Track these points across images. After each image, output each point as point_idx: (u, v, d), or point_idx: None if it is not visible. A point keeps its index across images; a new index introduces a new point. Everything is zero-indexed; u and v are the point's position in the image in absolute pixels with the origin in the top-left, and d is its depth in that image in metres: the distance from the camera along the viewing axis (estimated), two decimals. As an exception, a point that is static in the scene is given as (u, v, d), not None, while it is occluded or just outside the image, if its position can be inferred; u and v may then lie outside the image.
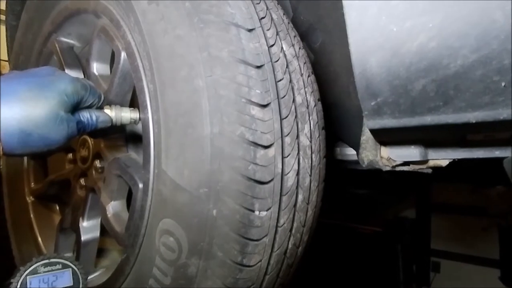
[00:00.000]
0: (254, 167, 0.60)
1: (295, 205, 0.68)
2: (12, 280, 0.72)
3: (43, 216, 1.28)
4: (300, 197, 0.68)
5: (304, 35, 0.93)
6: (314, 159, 0.71)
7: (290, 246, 0.69)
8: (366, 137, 0.80)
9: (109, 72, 0.91)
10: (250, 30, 0.63)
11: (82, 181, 0.98)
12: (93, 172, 0.91)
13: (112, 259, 1.06)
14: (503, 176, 0.68)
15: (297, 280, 0.80)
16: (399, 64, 0.57)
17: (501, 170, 0.68)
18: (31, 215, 1.27)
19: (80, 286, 0.78)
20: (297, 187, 0.67)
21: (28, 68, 1.14)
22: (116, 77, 0.80)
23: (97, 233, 0.97)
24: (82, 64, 1.03)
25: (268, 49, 0.65)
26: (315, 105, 0.73)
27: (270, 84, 0.63)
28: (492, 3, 0.49)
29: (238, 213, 0.60)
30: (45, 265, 0.75)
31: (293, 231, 0.69)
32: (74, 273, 0.78)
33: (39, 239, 1.24)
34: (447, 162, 0.76)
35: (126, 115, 0.74)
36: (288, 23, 0.76)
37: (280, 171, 0.63)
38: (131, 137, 0.90)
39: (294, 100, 0.67)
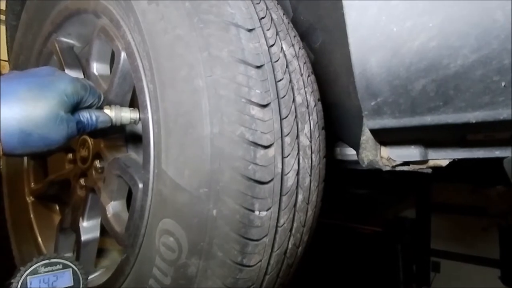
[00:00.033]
0: (254, 167, 0.60)
1: (295, 205, 0.68)
2: (12, 280, 0.72)
3: (43, 216, 1.28)
4: (300, 197, 0.68)
5: (304, 35, 0.93)
6: (314, 159, 0.71)
7: (290, 246, 0.69)
8: (366, 137, 0.80)
9: (109, 72, 0.91)
10: (250, 30, 0.63)
11: (82, 181, 0.98)
12: (93, 172, 0.91)
13: (112, 259, 1.06)
14: (503, 176, 0.68)
15: (297, 280, 0.80)
16: (399, 64, 0.57)
17: (501, 170, 0.68)
18: (31, 215, 1.27)
19: (81, 286, 0.78)
20: (297, 187, 0.67)
21: (28, 68, 1.14)
22: (116, 77, 0.80)
23: (97, 233, 0.97)
24: (82, 64, 1.03)
25: (268, 49, 0.65)
26: (315, 105, 0.73)
27: (270, 84, 0.63)
28: (492, 3, 0.49)
29: (238, 213, 0.60)
30: (46, 265, 0.75)
31: (293, 231, 0.69)
32: (74, 273, 0.78)
33: (39, 239, 1.24)
34: (447, 162, 0.76)
35: (126, 115, 0.74)
36: (288, 23, 0.76)
37: (280, 171, 0.63)
38: (131, 137, 0.90)
39: (294, 100, 0.67)
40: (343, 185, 1.93)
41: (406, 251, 2.65)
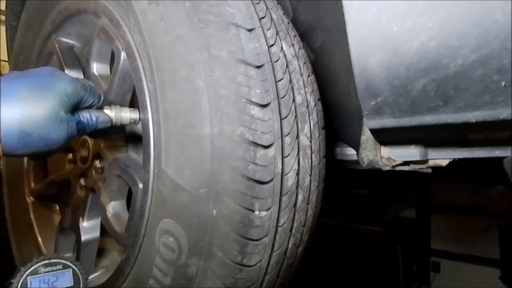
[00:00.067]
0: (254, 167, 0.60)
1: (295, 205, 0.67)
2: (12, 280, 0.72)
3: (43, 216, 1.28)
4: (300, 197, 0.68)
5: (304, 35, 0.93)
6: (314, 159, 0.71)
7: (290, 246, 0.69)
8: (366, 137, 0.80)
9: (109, 72, 0.91)
10: (250, 30, 0.63)
11: (82, 181, 0.98)
12: (93, 172, 0.91)
13: (112, 259, 1.06)
14: (503, 176, 0.68)
15: (297, 280, 0.80)
16: (399, 63, 0.57)
17: (501, 170, 0.68)
18: (31, 215, 1.27)
19: (81, 286, 0.78)
20: (297, 187, 0.67)
21: (28, 68, 1.14)
22: (116, 77, 0.80)
23: (97, 233, 0.97)
24: (82, 64, 1.03)
25: (268, 49, 0.65)
26: (315, 105, 0.73)
27: (270, 84, 0.63)
28: (492, 3, 0.49)
29: (238, 213, 0.60)
30: (46, 265, 0.75)
31: (293, 231, 0.69)
32: (74, 274, 0.78)
33: (39, 239, 1.24)
34: (447, 162, 0.76)
35: (126, 115, 0.74)
36: (288, 23, 0.76)
37: (280, 171, 0.63)
38: (131, 137, 0.90)
39: (294, 100, 0.67)
40: (343, 185, 1.93)
41: (406, 251, 2.65)
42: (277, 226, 0.65)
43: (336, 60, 0.88)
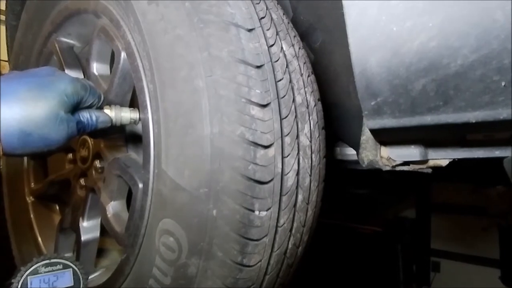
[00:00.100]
0: (254, 167, 0.60)
1: (295, 205, 0.67)
2: (12, 280, 0.72)
3: (43, 216, 1.28)
4: (300, 197, 0.68)
5: (304, 35, 0.93)
6: (314, 159, 0.71)
7: (290, 246, 0.69)
8: (366, 137, 0.80)
9: (109, 72, 0.91)
10: (250, 30, 0.63)
11: (82, 181, 0.98)
12: (93, 172, 0.91)
13: (112, 259, 1.06)
14: (503, 176, 0.68)
15: (297, 280, 0.80)
16: (399, 63, 0.57)
17: (501, 170, 0.68)
18: (31, 215, 1.27)
19: (81, 286, 0.78)
20: (297, 187, 0.67)
21: (28, 68, 1.14)
22: (116, 77, 0.80)
23: (97, 233, 0.97)
24: (82, 64, 1.03)
25: (268, 49, 0.65)
26: (315, 105, 0.73)
27: (270, 84, 0.63)
28: (492, 3, 0.49)
29: (238, 213, 0.60)
30: (46, 265, 0.75)
31: (293, 231, 0.69)
32: (74, 273, 0.78)
33: (39, 239, 1.24)
34: (447, 162, 0.76)
35: (126, 115, 0.74)
36: (288, 23, 0.76)
37: (280, 171, 0.63)
38: (131, 137, 0.90)
39: (294, 100, 0.67)
40: (343, 185, 1.93)
41: (406, 251, 2.65)
42: (277, 226, 0.65)
43: (336, 60, 0.88)
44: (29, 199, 1.28)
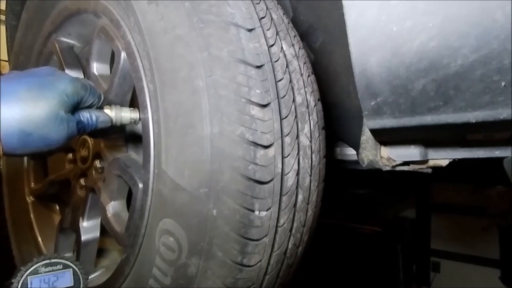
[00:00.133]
0: (254, 167, 0.60)
1: (295, 205, 0.68)
2: (13, 280, 0.72)
3: (43, 216, 1.28)
4: (300, 197, 0.68)
5: (304, 35, 0.93)
6: (314, 159, 0.71)
7: (290, 246, 0.69)
8: (366, 137, 0.80)
9: (109, 72, 0.91)
10: (250, 30, 0.63)
11: (82, 181, 0.98)
12: (93, 172, 0.91)
13: (112, 259, 1.06)
14: (503, 176, 0.68)
15: (297, 280, 0.80)
16: (399, 63, 0.57)
17: (501, 170, 0.68)
18: (31, 215, 1.27)
19: (81, 286, 0.78)
20: (297, 187, 0.67)
21: (28, 68, 1.14)
22: (116, 77, 0.80)
23: (97, 233, 0.97)
24: (82, 64, 1.03)
25: (268, 49, 0.65)
26: (315, 105, 0.73)
27: (270, 84, 0.63)
28: (492, 3, 0.49)
29: (238, 213, 0.60)
30: (46, 265, 0.75)
31: (293, 231, 0.69)
32: (74, 273, 0.78)
33: (39, 239, 1.24)
34: (447, 162, 0.76)
35: (126, 115, 0.74)
36: (288, 23, 0.76)
37: (280, 171, 0.63)
38: (131, 137, 0.90)
39: (294, 100, 0.67)
40: (343, 185, 1.93)
41: (406, 251, 2.65)
42: (277, 226, 0.65)
43: (336, 60, 0.88)
44: (29, 199, 1.28)
